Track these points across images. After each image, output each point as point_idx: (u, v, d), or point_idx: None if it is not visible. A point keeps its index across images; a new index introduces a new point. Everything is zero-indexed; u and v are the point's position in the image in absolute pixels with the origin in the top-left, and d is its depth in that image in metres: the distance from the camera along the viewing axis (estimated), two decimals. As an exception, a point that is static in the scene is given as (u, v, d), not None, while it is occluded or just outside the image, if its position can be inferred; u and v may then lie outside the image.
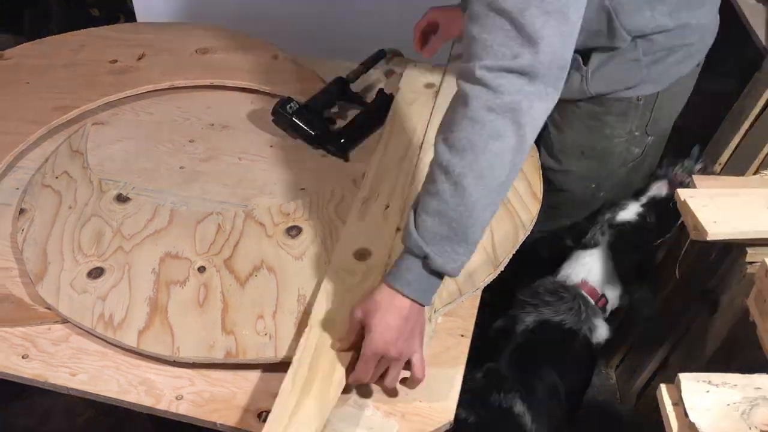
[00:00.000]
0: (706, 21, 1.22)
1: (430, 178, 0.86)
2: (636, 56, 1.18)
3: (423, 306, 0.89)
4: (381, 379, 0.91)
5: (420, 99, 1.41)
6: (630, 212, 1.38)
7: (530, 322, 1.33)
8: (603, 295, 1.38)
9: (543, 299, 1.35)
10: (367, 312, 0.87)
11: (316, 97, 1.42)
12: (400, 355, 0.88)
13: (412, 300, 0.87)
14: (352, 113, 1.44)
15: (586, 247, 1.40)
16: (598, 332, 1.37)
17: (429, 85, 1.45)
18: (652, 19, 1.14)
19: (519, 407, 1.21)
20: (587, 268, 1.39)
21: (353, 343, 0.91)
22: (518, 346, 1.31)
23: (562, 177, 1.40)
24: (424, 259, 0.85)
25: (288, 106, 1.37)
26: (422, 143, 1.29)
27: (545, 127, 1.34)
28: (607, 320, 1.40)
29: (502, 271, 1.11)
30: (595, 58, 1.20)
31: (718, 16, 1.25)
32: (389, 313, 0.86)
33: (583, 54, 1.20)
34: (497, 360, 1.28)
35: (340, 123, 1.42)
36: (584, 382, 1.43)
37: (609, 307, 1.41)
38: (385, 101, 1.43)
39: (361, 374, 0.89)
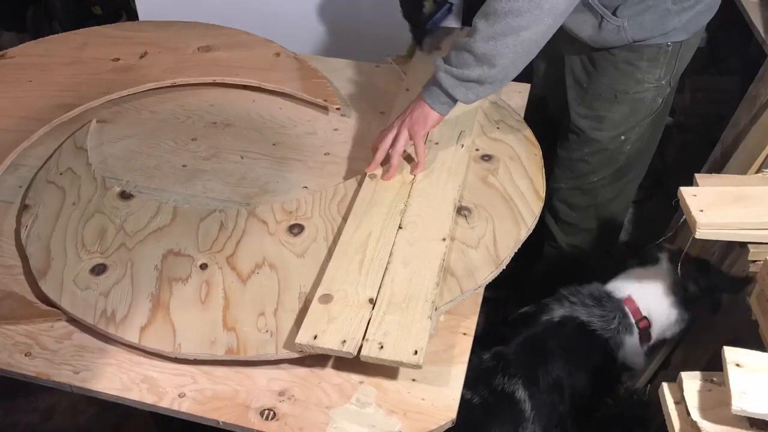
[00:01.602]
0: None
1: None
2: (667, 5, 1.27)
3: (438, 113, 1.20)
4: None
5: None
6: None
7: (558, 315, 1.32)
8: (646, 317, 1.34)
9: (582, 300, 1.34)
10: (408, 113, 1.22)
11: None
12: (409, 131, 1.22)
13: (430, 106, 1.19)
14: None
15: (644, 264, 1.38)
16: (625, 350, 1.33)
17: (438, 48, 1.56)
18: None
19: (520, 393, 1.22)
20: (639, 285, 1.35)
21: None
22: (535, 335, 1.30)
23: (596, 123, 1.47)
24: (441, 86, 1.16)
25: None
26: None
27: (577, 79, 1.45)
28: (648, 348, 1.36)
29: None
30: (630, 8, 1.28)
31: None
32: (418, 111, 1.21)
33: (616, 5, 1.28)
34: (509, 344, 1.27)
35: None
36: (595, 389, 1.38)
37: (653, 333, 1.35)
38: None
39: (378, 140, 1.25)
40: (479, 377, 1.20)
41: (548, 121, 1.61)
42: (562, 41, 1.41)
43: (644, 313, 1.34)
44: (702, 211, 1.15)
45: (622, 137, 1.46)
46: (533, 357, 1.27)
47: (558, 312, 1.33)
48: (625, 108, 1.42)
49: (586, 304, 1.33)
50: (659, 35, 1.31)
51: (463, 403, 0.96)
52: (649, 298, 1.34)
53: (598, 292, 1.35)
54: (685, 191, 1.19)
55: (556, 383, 1.27)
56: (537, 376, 1.25)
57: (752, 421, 0.84)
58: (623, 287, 1.36)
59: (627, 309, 1.33)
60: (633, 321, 1.33)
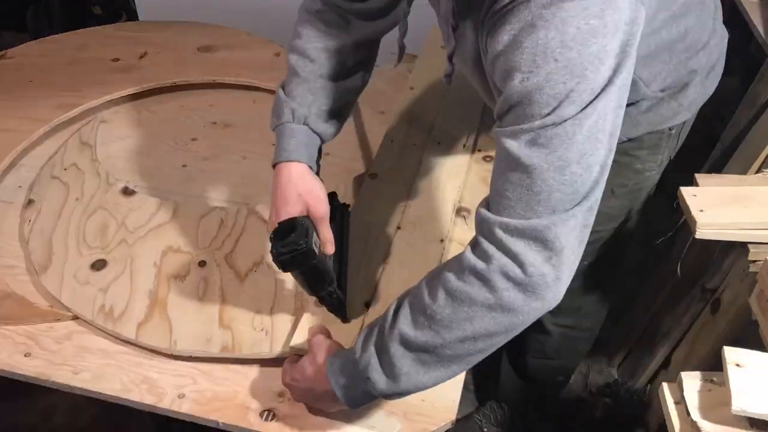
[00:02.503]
0: (721, 43, 1.13)
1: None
2: (677, 100, 1.10)
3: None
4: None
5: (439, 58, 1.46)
6: None
7: None
8: None
9: None
10: (299, 372, 0.90)
11: None
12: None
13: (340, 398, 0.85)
14: None
15: None
16: None
17: (444, 47, 1.50)
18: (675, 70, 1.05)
19: None
20: None
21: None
22: None
23: None
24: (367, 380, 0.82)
25: None
26: (443, 97, 1.39)
27: None
28: None
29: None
30: (636, 109, 1.08)
31: (723, 27, 1.14)
32: (316, 385, 0.88)
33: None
34: None
35: None
36: None
37: None
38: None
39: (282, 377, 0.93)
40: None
41: None
42: None
43: None
44: (702, 211, 1.15)
45: (616, 226, 1.28)
46: None
47: None
48: (624, 201, 1.24)
49: None
50: (662, 125, 1.13)
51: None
52: None
53: None
54: (685, 191, 1.19)
55: None
56: None
57: (752, 421, 0.84)
58: None
59: None
60: None
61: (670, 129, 1.15)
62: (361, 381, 0.82)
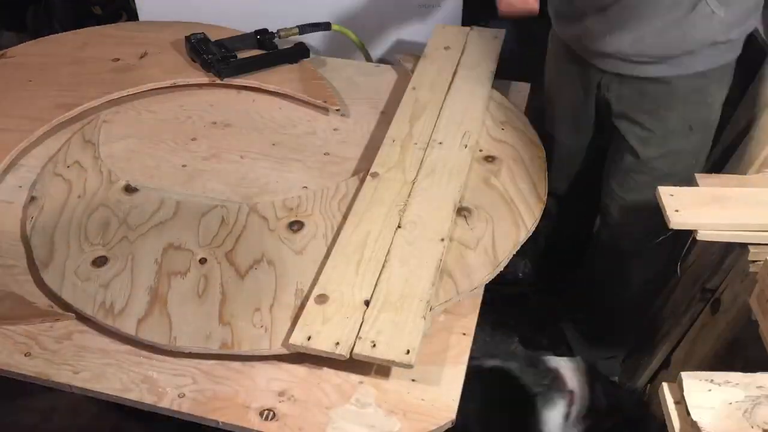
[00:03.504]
0: None
1: None
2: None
3: None
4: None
5: (441, 58, 1.55)
6: None
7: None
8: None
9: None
10: None
11: (233, 38, 1.60)
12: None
13: None
14: None
15: None
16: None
17: (447, 48, 1.58)
18: None
19: None
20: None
21: None
22: None
23: (671, 161, 1.36)
24: None
25: (194, 36, 1.57)
26: (445, 97, 1.41)
27: (635, 119, 1.33)
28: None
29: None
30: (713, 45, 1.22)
31: None
32: None
33: None
34: None
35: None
36: None
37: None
38: (297, 50, 1.58)
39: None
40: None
41: (577, 175, 1.55)
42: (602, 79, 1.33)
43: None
44: (677, 211, 1.14)
45: (694, 161, 1.39)
46: None
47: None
48: (699, 136, 1.35)
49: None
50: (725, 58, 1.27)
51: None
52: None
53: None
54: (663, 190, 1.18)
55: None
56: None
57: (753, 421, 0.84)
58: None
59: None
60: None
61: (728, 64, 1.28)
62: None
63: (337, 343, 0.94)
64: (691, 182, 1.33)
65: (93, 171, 1.28)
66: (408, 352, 0.92)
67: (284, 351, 0.97)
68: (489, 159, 1.30)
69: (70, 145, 1.35)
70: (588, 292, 1.70)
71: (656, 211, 1.25)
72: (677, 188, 1.17)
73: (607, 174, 1.47)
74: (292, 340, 0.95)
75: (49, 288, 1.07)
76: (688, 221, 1.13)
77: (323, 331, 0.95)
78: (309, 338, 0.95)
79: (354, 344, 0.93)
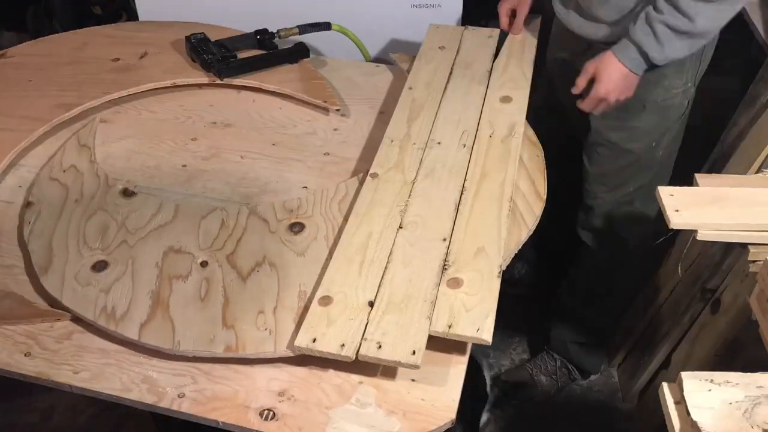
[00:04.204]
0: None
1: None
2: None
3: (635, 74, 1.31)
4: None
5: (436, 58, 1.55)
6: None
7: None
8: None
9: None
10: (598, 68, 1.31)
11: (233, 38, 1.59)
12: (615, 101, 1.33)
13: (630, 69, 1.30)
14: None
15: None
16: None
17: (442, 47, 1.59)
18: None
19: None
20: None
21: (584, 84, 1.35)
22: None
23: (627, 134, 1.46)
24: (643, 51, 1.26)
25: (194, 36, 1.57)
26: (442, 96, 1.42)
27: None
28: None
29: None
30: None
31: None
32: (613, 72, 1.30)
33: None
34: None
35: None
36: None
37: None
38: (297, 50, 1.58)
39: (585, 106, 1.37)
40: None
41: (562, 141, 1.59)
42: (577, 52, 1.43)
43: None
44: (677, 211, 1.14)
45: (653, 144, 1.47)
46: None
47: None
48: (655, 116, 1.43)
49: None
50: None
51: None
52: None
53: None
54: (661, 192, 1.17)
55: None
56: None
57: (753, 421, 0.84)
58: None
59: None
60: None
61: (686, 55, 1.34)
62: (642, 54, 1.28)
63: (343, 345, 0.94)
64: (654, 165, 1.49)
65: (90, 175, 1.28)
66: (414, 352, 0.92)
67: (289, 353, 0.96)
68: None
69: (65, 150, 1.34)
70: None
71: (619, 183, 1.52)
72: (677, 188, 1.17)
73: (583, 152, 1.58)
74: (297, 343, 0.94)
75: (49, 293, 1.06)
76: (689, 221, 1.13)
77: (328, 333, 0.95)
78: (314, 340, 0.94)
79: (359, 346, 0.93)
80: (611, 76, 1.30)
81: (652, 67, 1.30)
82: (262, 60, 1.56)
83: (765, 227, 1.12)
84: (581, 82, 1.34)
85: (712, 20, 1.23)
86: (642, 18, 1.27)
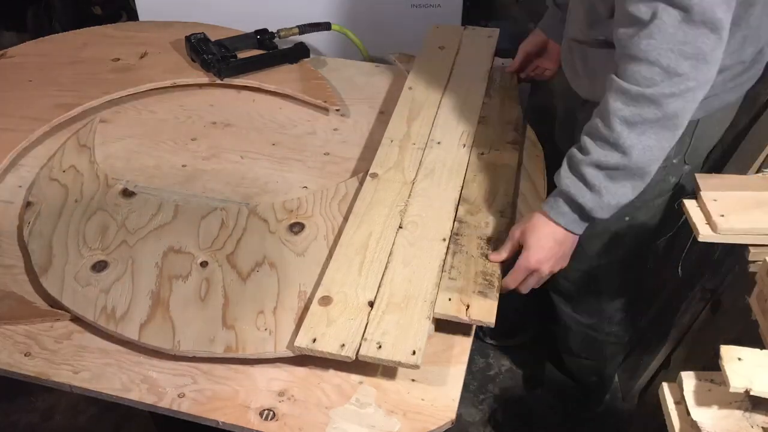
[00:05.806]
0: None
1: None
2: None
3: (574, 234, 1.04)
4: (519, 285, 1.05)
5: (436, 58, 1.56)
6: None
7: None
8: None
9: None
10: (525, 232, 1.04)
11: (233, 38, 1.60)
12: (549, 272, 1.04)
13: (565, 229, 1.02)
14: None
15: None
16: None
17: (442, 47, 1.59)
18: None
19: None
20: None
21: (509, 256, 1.06)
22: None
23: None
24: (576, 203, 0.99)
25: (194, 36, 1.58)
26: (441, 96, 1.42)
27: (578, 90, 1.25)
28: None
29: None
30: None
31: None
32: (544, 236, 1.02)
33: None
34: None
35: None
36: None
37: None
38: (297, 50, 1.59)
39: (510, 282, 1.05)
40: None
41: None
42: (576, 105, 1.27)
43: None
44: (723, 215, 1.11)
45: (627, 218, 1.27)
46: None
47: None
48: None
49: None
50: None
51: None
52: None
53: None
54: (704, 196, 1.13)
55: None
56: None
57: (753, 421, 0.84)
58: None
59: None
60: None
61: None
62: (575, 208, 1.00)
63: (343, 345, 0.94)
64: (623, 241, 1.33)
65: (89, 175, 1.28)
66: (414, 352, 0.92)
67: (289, 353, 0.96)
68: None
69: (65, 150, 1.34)
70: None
71: (581, 254, 1.26)
72: (719, 193, 1.12)
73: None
74: (297, 343, 0.94)
75: (49, 293, 1.06)
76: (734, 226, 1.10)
77: (328, 333, 0.95)
78: (314, 340, 0.94)
79: (359, 346, 0.93)
80: (541, 242, 1.02)
81: (592, 220, 1.03)
82: (262, 60, 1.56)
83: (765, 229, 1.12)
84: (504, 253, 1.06)
85: (650, 150, 0.95)
86: (565, 163, 1.01)
